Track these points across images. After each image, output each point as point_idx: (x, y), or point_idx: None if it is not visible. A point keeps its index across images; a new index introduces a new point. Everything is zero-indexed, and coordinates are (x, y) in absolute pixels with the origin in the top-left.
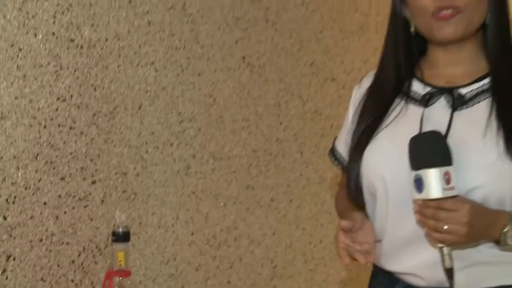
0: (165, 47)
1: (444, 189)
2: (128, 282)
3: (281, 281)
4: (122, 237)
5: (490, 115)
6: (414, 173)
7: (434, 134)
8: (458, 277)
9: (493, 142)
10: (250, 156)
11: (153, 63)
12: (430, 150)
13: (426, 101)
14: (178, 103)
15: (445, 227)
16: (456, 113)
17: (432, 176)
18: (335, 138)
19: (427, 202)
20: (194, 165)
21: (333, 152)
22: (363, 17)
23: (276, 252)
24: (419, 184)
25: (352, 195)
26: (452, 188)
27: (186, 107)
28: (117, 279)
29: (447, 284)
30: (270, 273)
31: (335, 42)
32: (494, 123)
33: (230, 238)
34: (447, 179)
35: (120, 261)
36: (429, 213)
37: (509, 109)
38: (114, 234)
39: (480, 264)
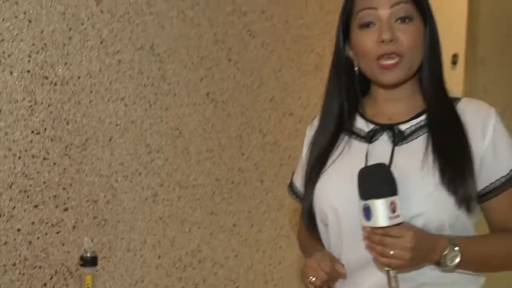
0: (134, 84)
1: (390, 218)
2: None
3: None
4: (90, 261)
5: (426, 149)
6: (362, 202)
7: (381, 167)
8: None
9: (430, 174)
10: (213, 184)
11: (123, 98)
12: (377, 181)
13: (370, 137)
14: (147, 135)
15: (391, 252)
16: (397, 148)
17: (379, 206)
18: (293, 174)
19: (374, 229)
20: (161, 193)
21: (291, 186)
22: (318, 57)
23: (238, 273)
24: (367, 213)
25: (307, 226)
26: (397, 216)
27: (154, 139)
28: None
29: None
30: None
31: (293, 79)
32: (430, 157)
33: (194, 261)
34: (392, 208)
35: (88, 284)
36: (376, 239)
37: (442, 143)
38: (82, 258)
39: (424, 285)
